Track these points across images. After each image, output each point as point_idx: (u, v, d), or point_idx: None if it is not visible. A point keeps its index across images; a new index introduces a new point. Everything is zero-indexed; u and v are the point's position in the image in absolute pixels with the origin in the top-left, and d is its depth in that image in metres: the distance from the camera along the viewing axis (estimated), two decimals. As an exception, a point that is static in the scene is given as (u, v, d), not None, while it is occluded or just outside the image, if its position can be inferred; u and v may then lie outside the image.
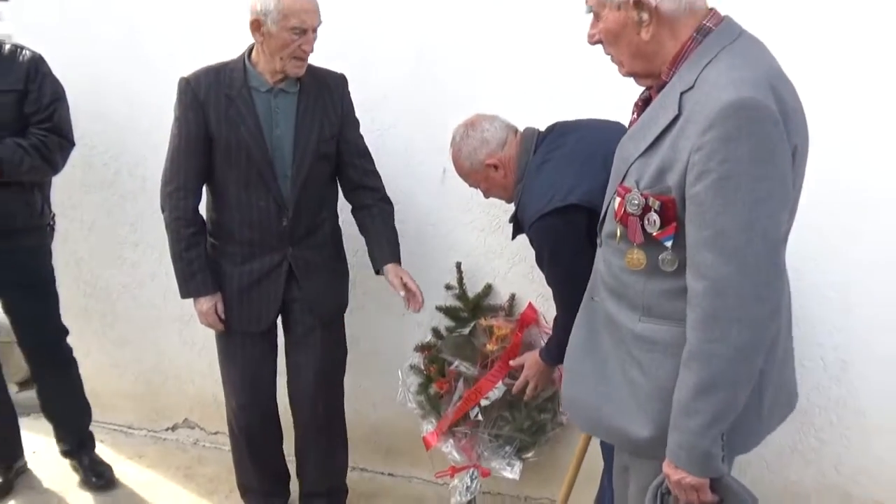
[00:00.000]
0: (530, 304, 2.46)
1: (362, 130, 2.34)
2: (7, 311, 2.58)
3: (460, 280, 2.54)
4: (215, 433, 3.04)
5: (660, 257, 1.38)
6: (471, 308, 2.52)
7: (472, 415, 2.35)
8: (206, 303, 2.23)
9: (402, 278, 2.24)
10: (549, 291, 2.04)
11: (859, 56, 2.09)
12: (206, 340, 2.66)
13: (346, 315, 2.45)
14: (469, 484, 2.36)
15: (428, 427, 2.43)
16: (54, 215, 2.61)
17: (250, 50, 2.16)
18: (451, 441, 2.39)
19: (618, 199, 1.43)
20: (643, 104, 1.49)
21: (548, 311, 2.35)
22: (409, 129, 2.53)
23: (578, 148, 1.96)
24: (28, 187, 2.44)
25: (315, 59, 2.14)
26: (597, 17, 1.41)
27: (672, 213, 1.33)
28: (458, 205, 2.54)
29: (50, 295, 2.61)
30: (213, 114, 2.12)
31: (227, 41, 2.28)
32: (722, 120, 1.23)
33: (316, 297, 2.30)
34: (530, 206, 1.94)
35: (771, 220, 1.27)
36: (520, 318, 2.42)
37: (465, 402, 2.34)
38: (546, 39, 2.31)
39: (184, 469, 2.95)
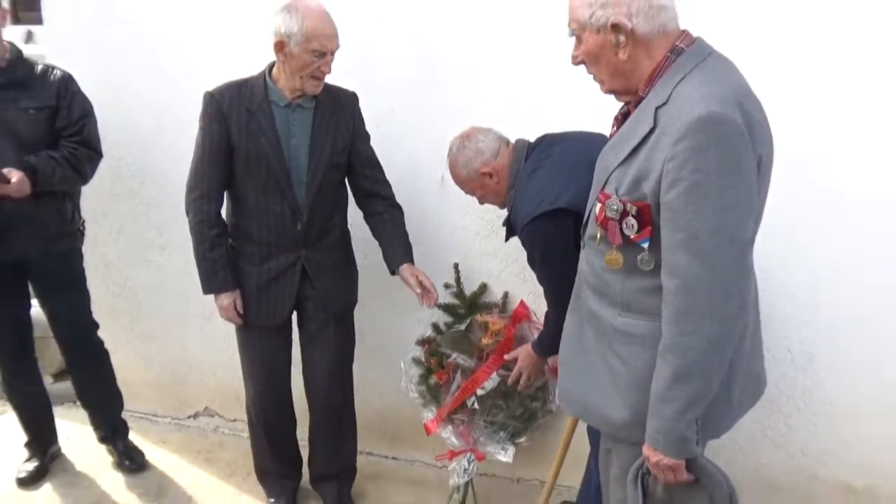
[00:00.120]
0: (522, 301, 2.47)
1: (370, 142, 2.35)
2: (43, 308, 2.60)
3: (458, 279, 2.55)
4: (234, 420, 3.06)
5: (638, 258, 1.39)
6: (467, 305, 2.53)
7: (468, 403, 2.36)
8: (227, 298, 2.24)
9: (417, 276, 2.25)
10: (539, 289, 2.04)
11: (826, 63, 2.09)
12: (225, 336, 2.67)
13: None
14: (466, 466, 2.36)
15: (428, 414, 2.43)
16: (84, 221, 2.62)
17: (271, 67, 2.16)
18: (449, 427, 2.39)
19: (599, 205, 1.43)
20: (622, 118, 1.49)
21: (538, 307, 2.35)
22: (411, 140, 2.54)
23: (565, 157, 1.96)
24: (59, 197, 2.45)
25: (329, 78, 2.15)
26: (579, 40, 1.42)
27: (648, 218, 1.34)
28: (455, 210, 2.55)
29: (82, 293, 2.63)
30: (235, 126, 2.12)
31: (243, 59, 2.30)
32: (693, 132, 1.24)
33: (327, 295, 2.30)
34: (522, 210, 1.94)
35: (738, 226, 1.28)
36: (512, 315, 2.42)
37: (462, 392, 2.35)
38: (535, 60, 2.33)
39: (205, 453, 2.96)
